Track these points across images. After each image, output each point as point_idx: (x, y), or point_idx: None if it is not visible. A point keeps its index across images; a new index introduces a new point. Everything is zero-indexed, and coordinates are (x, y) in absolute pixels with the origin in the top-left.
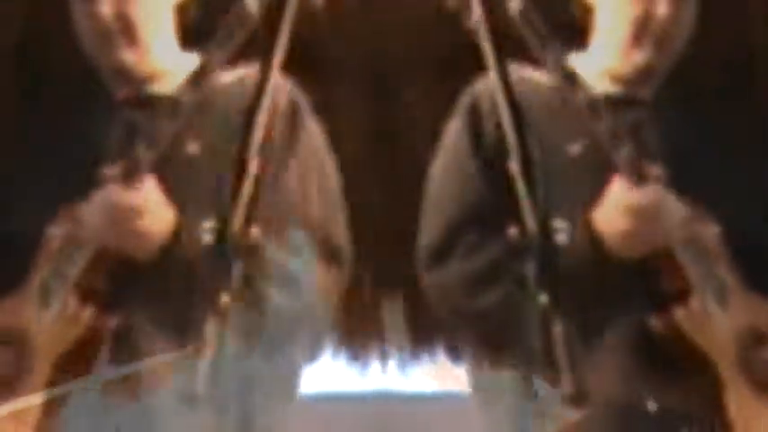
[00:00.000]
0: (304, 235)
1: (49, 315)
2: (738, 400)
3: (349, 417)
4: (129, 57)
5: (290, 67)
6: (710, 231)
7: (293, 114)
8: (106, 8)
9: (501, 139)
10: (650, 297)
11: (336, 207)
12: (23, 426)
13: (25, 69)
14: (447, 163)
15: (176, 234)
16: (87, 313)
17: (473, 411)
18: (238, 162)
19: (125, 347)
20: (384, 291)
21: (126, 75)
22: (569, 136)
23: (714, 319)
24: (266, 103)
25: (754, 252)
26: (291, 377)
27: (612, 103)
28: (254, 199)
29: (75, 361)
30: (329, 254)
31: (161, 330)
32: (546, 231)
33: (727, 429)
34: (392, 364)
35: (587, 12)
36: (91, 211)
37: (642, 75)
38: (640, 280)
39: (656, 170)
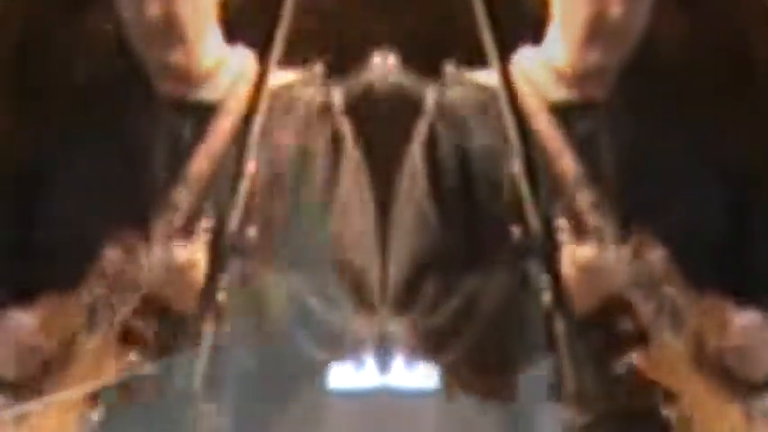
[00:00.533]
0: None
1: (91, 343)
2: (700, 408)
3: (349, 413)
4: (177, 57)
5: None
6: (656, 256)
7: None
8: (154, 7)
9: (464, 159)
10: (609, 344)
11: (372, 252)
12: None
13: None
14: (404, 202)
15: None
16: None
17: (472, 409)
18: (236, 162)
19: None
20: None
21: (174, 74)
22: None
23: (671, 351)
24: (264, 102)
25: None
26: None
27: (565, 110)
28: (250, 199)
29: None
30: (361, 303)
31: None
32: (548, 231)
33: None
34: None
35: (544, 5)
36: (150, 262)
37: (593, 75)
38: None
39: (594, 221)
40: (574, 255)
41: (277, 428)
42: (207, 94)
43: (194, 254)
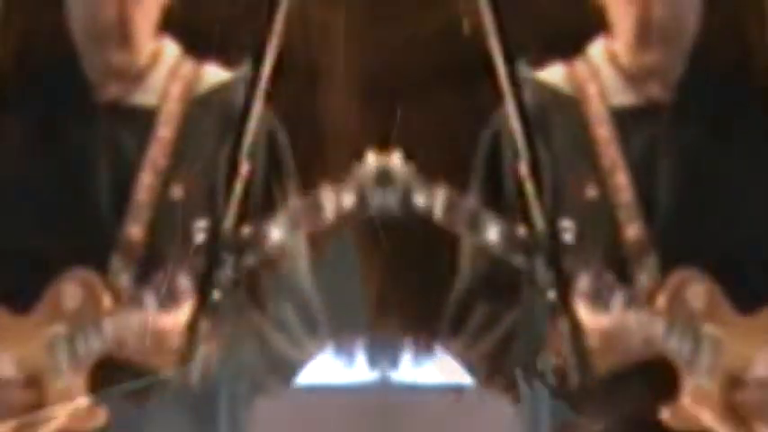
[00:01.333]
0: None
1: (59, 387)
2: None
3: (350, 408)
4: (124, 57)
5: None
6: (696, 291)
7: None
8: (110, 10)
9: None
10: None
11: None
12: None
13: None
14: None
15: None
16: (101, 416)
17: (476, 403)
18: (230, 164)
19: None
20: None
21: (117, 74)
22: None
23: (704, 397)
24: (258, 106)
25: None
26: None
27: (629, 115)
28: (244, 199)
29: None
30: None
31: None
32: (553, 231)
33: None
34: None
35: (600, 10)
36: (125, 325)
37: (652, 76)
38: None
39: (618, 296)
40: (596, 323)
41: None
42: (143, 96)
43: (176, 322)
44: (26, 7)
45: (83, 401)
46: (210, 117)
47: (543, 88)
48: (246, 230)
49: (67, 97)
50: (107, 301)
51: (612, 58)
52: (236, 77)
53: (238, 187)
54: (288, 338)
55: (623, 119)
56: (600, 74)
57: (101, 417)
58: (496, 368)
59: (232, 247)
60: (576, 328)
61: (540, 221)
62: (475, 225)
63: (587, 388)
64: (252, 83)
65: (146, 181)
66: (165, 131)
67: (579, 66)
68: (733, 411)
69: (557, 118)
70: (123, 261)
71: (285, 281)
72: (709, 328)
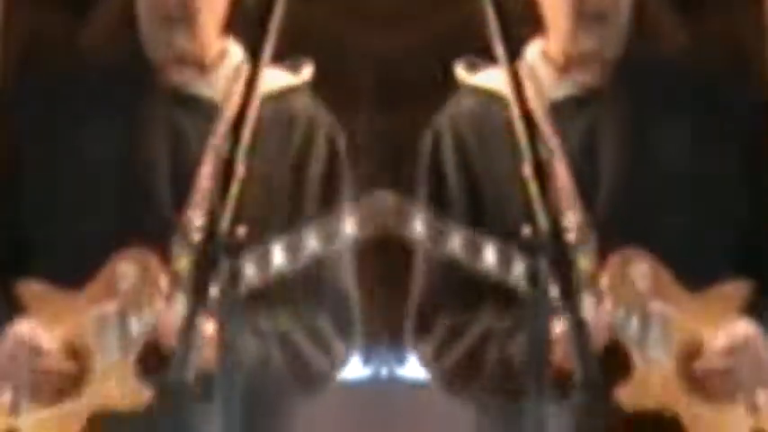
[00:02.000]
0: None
1: (106, 363)
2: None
3: (352, 403)
4: (187, 42)
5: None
6: (640, 271)
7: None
8: None
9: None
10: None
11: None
12: None
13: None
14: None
15: None
16: (146, 394)
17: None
18: (226, 164)
19: None
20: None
21: (180, 59)
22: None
23: (658, 370)
24: (254, 107)
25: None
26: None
27: (567, 105)
28: (240, 200)
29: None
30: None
31: None
32: (556, 230)
33: None
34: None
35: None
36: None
37: (584, 63)
38: None
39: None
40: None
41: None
42: (206, 88)
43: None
44: None
45: (129, 379)
46: (270, 120)
47: (481, 92)
48: (241, 231)
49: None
50: (164, 283)
51: (546, 56)
52: (296, 83)
53: (235, 188)
54: (318, 345)
55: (559, 111)
56: (536, 72)
57: (145, 396)
58: (466, 378)
59: (227, 248)
60: (580, 326)
61: (543, 221)
62: (438, 239)
63: (592, 386)
64: (249, 82)
65: (207, 170)
66: (226, 126)
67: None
68: (691, 381)
69: (494, 120)
70: (183, 244)
71: (321, 285)
72: (656, 306)
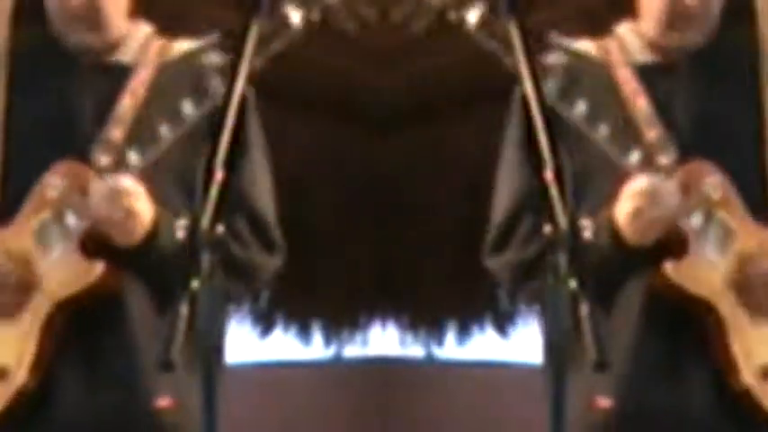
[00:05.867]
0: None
1: (51, 259)
2: (739, 334)
3: (348, 382)
4: (97, 39)
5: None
6: (713, 181)
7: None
8: None
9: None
10: (648, 259)
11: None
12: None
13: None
14: (506, 153)
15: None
16: (98, 268)
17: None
18: (206, 171)
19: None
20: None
21: (93, 50)
22: (598, 113)
23: (710, 265)
24: (232, 117)
25: None
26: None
27: (649, 71)
28: (219, 202)
29: (78, 307)
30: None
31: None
32: (574, 229)
33: (731, 366)
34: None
35: None
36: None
37: (674, 52)
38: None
39: (666, 159)
40: (638, 185)
41: None
42: (122, 55)
43: (132, 185)
44: None
45: (77, 263)
46: (180, 79)
47: (575, 54)
48: (220, 229)
49: None
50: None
51: (639, 34)
52: (204, 44)
53: (214, 190)
54: (246, 251)
55: (645, 74)
56: (627, 45)
57: (97, 269)
58: (528, 280)
59: (208, 243)
60: (594, 313)
61: (563, 222)
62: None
63: (602, 365)
64: (227, 93)
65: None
66: (137, 84)
67: (608, 41)
68: (739, 289)
69: (586, 80)
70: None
71: (243, 195)
72: (722, 214)
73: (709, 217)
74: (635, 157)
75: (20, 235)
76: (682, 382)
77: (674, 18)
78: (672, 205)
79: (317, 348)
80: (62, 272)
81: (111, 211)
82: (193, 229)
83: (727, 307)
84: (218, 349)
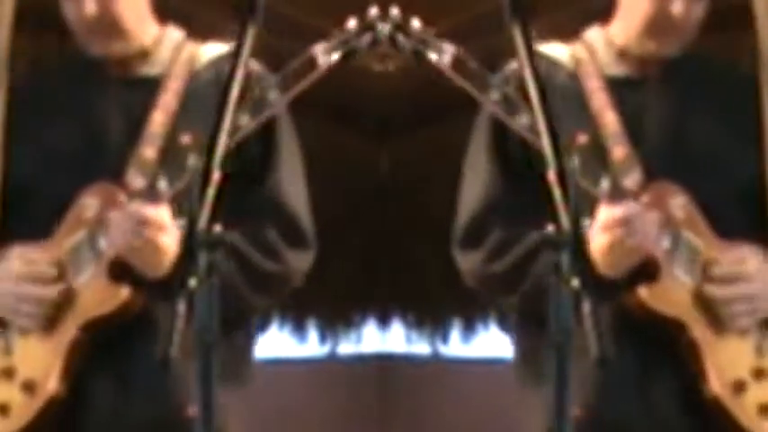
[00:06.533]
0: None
1: (81, 279)
2: (712, 350)
3: (348, 378)
4: (118, 47)
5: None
6: (678, 202)
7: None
8: (91, 6)
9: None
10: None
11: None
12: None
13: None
14: (472, 153)
15: None
16: (123, 293)
17: (465, 375)
18: (204, 173)
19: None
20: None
21: (117, 60)
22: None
23: (681, 286)
24: (227, 123)
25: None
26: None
27: (619, 84)
28: (216, 202)
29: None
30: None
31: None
32: (576, 229)
33: (704, 381)
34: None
35: None
36: (116, 217)
37: (649, 61)
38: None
39: (631, 181)
40: (609, 214)
41: None
42: (150, 69)
43: (163, 216)
44: None
45: (105, 287)
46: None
47: (546, 59)
48: (217, 229)
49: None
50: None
51: (609, 42)
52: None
53: (210, 192)
54: (278, 264)
55: (615, 87)
56: (597, 53)
57: (123, 294)
58: (509, 289)
59: (205, 243)
60: (596, 311)
61: (566, 222)
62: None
63: (604, 360)
64: (221, 101)
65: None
66: (168, 98)
67: (578, 46)
68: (707, 307)
69: (558, 88)
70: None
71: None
72: (688, 234)
73: (676, 238)
74: (605, 184)
75: (58, 251)
76: (651, 391)
77: (657, 26)
78: (649, 232)
79: (312, 345)
80: (91, 293)
81: (131, 241)
82: (191, 230)
83: (699, 325)
84: (246, 349)
